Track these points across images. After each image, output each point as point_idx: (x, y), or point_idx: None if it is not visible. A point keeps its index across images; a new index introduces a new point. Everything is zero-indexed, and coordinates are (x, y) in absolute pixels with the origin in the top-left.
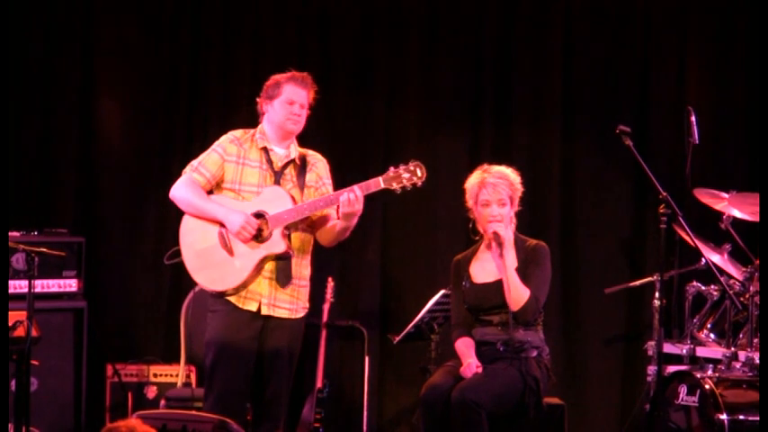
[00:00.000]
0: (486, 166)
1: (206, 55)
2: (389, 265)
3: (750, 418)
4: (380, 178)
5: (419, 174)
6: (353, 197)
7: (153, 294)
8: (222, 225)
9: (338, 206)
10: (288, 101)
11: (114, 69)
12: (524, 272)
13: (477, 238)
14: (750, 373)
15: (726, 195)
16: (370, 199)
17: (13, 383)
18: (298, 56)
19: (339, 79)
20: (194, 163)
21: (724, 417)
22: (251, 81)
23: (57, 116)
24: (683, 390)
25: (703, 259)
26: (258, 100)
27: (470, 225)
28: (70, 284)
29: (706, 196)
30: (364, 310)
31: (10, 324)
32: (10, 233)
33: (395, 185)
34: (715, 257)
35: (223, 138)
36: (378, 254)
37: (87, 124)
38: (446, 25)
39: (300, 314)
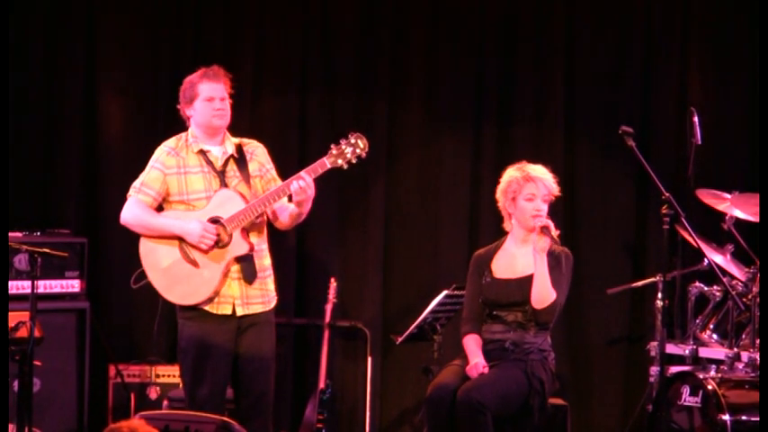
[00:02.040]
0: (525, 163)
1: (208, 57)
2: (392, 266)
3: (753, 419)
4: (325, 159)
5: (361, 145)
6: (303, 184)
7: (155, 295)
8: (180, 239)
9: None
10: (207, 98)
11: (117, 70)
12: (551, 275)
13: (509, 231)
14: (753, 374)
15: (728, 196)
16: (371, 199)
17: (15, 384)
18: (301, 57)
19: (341, 80)
20: (136, 184)
21: (726, 417)
22: (254, 83)
23: (59, 116)
24: (685, 390)
25: (706, 260)
26: (179, 107)
27: (505, 221)
28: (73, 285)
29: (708, 197)
30: (367, 311)
31: (13, 325)
32: (12, 234)
33: (340, 162)
34: (717, 258)
35: (158, 152)
36: (380, 254)
37: (90, 124)
38: (448, 25)
39: (272, 305)
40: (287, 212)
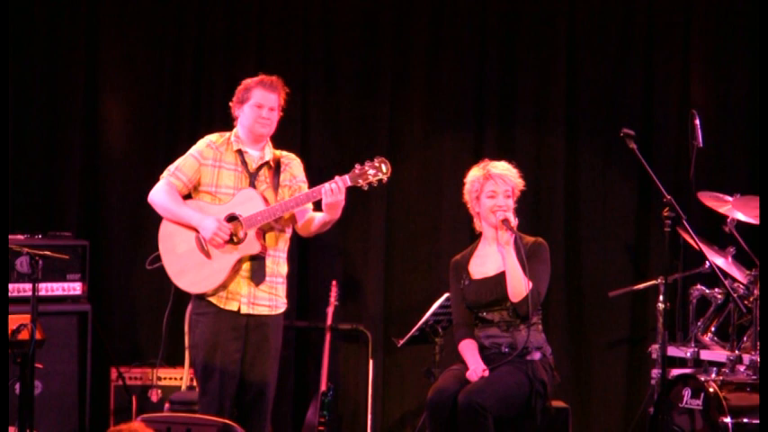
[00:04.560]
0: (487, 161)
1: (210, 59)
2: (393, 268)
3: (754, 422)
4: (347, 176)
5: (384, 170)
6: (335, 187)
7: (157, 297)
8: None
9: (320, 200)
10: (257, 105)
11: (118, 73)
12: (528, 266)
13: (478, 233)
14: (754, 376)
15: (730, 198)
16: (372, 201)
17: (17, 387)
18: (302, 59)
19: (343, 81)
20: (171, 168)
21: (728, 420)
22: None
23: (61, 119)
24: (687, 393)
25: (707, 262)
26: (231, 104)
27: (474, 221)
28: (74, 288)
29: (710, 199)
30: (368, 314)
31: (14, 327)
32: (14, 236)
33: (361, 182)
34: (719, 260)
35: (200, 142)
36: (382, 256)
37: (92, 127)
38: (450, 27)
39: (280, 310)
40: (305, 218)
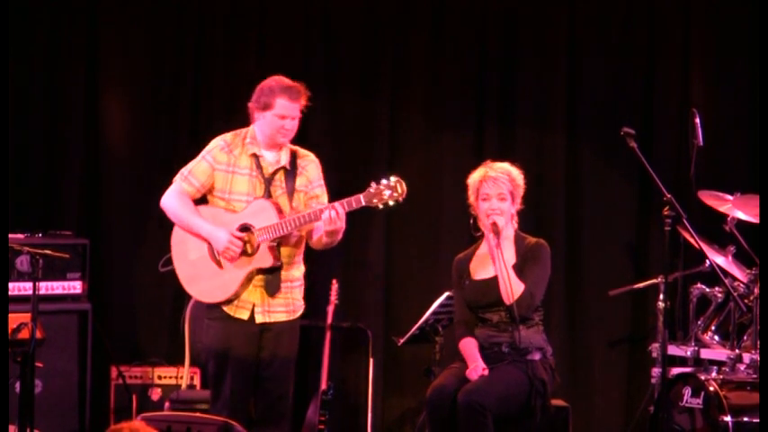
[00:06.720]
0: (489, 162)
1: (210, 58)
2: (393, 267)
3: (754, 420)
4: (361, 196)
5: (400, 190)
6: (335, 215)
7: (157, 296)
8: None
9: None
10: (279, 116)
11: (119, 72)
12: (522, 268)
13: (479, 234)
14: (754, 375)
15: (730, 197)
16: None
17: (17, 385)
18: (302, 57)
19: (343, 80)
20: (184, 171)
21: (728, 419)
22: (256, 84)
23: (62, 118)
24: (687, 392)
25: (707, 261)
26: (250, 105)
27: (471, 221)
28: (75, 286)
29: (710, 198)
30: (368, 312)
31: (14, 326)
32: (14, 235)
33: (375, 202)
34: (719, 259)
35: (213, 144)
36: (382, 255)
37: (92, 126)
38: (451, 26)
39: (298, 313)
40: (317, 235)
